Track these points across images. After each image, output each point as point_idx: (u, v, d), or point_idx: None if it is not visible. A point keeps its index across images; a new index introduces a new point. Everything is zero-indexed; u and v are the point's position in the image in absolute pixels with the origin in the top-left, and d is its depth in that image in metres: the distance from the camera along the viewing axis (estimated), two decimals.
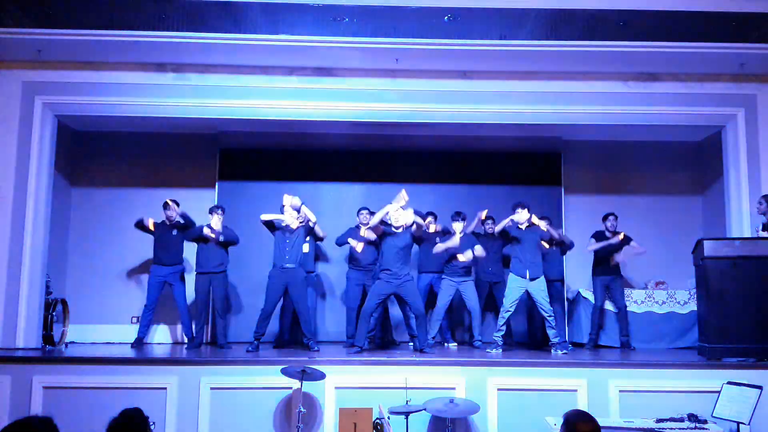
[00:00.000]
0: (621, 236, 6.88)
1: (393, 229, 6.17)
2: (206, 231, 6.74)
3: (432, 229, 7.05)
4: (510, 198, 7.44)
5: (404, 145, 7.92)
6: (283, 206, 6.50)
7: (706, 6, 5.97)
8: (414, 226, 6.23)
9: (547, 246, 6.65)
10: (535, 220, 6.49)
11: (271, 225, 6.49)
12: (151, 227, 6.81)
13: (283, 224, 6.43)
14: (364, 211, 7.03)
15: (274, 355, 6.18)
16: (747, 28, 6.08)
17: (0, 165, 6.40)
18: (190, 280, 7.05)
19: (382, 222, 6.21)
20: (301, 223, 6.50)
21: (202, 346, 6.82)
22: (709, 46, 6.26)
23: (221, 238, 6.78)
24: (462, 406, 4.83)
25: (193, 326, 6.83)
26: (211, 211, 6.91)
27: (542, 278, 6.42)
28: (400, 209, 6.18)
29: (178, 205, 6.92)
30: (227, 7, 5.90)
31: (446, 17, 5.97)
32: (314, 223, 6.58)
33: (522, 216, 6.49)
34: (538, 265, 6.42)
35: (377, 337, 6.93)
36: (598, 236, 7.06)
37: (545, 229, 6.55)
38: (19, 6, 5.85)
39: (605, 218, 7.07)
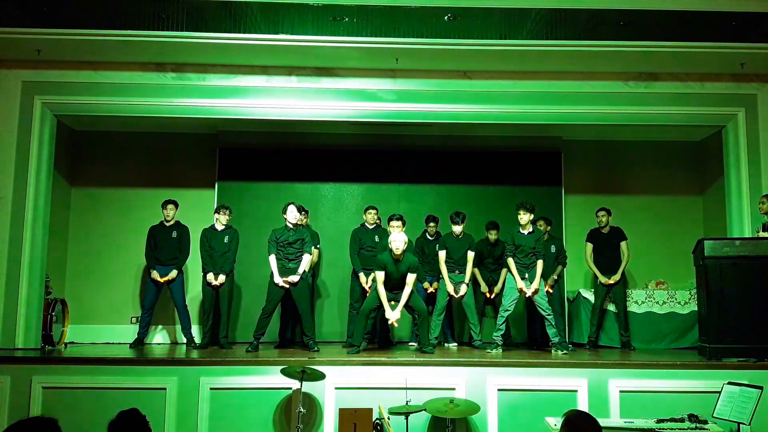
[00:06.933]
0: (610, 281, 6.90)
1: (393, 256, 6.07)
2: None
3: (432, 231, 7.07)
4: (510, 198, 7.48)
5: (404, 145, 7.91)
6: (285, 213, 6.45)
7: (706, 6, 5.96)
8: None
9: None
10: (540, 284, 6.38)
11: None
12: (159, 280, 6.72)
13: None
14: (372, 211, 6.99)
15: (274, 355, 6.17)
16: (747, 28, 6.08)
17: None
18: (196, 279, 6.99)
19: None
20: (302, 222, 6.49)
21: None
22: (710, 45, 6.27)
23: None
24: (462, 406, 4.82)
25: (200, 327, 6.80)
26: (218, 210, 6.89)
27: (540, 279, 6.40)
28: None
29: (176, 206, 6.91)
30: (227, 6, 5.89)
31: (446, 17, 5.96)
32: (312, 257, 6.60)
33: (524, 218, 6.47)
34: (535, 267, 6.39)
35: (377, 338, 6.92)
36: (592, 237, 7.10)
37: (550, 290, 6.79)
38: (19, 6, 5.85)
39: (597, 213, 7.10)
